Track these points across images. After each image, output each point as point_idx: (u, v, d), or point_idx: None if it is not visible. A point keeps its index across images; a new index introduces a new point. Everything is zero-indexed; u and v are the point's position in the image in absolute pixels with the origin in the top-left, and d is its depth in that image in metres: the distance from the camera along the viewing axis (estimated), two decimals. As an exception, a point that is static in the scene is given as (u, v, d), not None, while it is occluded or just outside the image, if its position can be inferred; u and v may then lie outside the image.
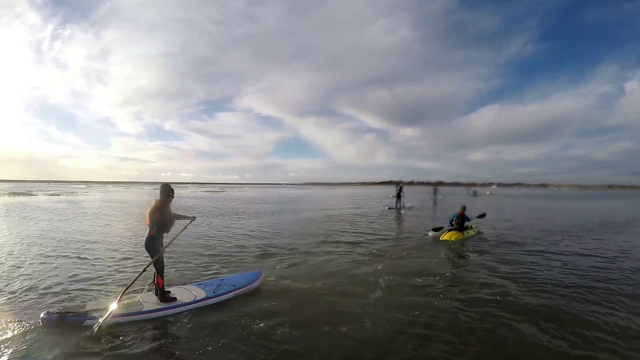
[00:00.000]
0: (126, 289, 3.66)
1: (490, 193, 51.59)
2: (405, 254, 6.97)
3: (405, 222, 13.00)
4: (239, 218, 13.88)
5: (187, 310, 3.72)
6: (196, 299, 3.85)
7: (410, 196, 31.26)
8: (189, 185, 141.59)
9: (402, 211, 17.30)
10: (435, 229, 9.16)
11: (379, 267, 5.81)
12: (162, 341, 3.14)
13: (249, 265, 5.80)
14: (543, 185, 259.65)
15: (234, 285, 4.23)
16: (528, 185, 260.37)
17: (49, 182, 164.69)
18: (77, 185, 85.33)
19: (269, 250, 7.12)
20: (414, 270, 5.69)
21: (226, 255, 6.64)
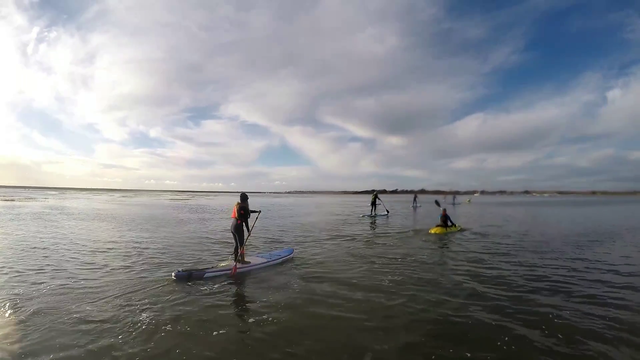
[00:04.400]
0: (236, 255, 7.05)
1: (469, 200, 56.59)
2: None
3: (373, 226, 16.32)
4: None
5: (257, 268, 6.93)
6: (262, 263, 7.06)
7: (391, 204, 35.16)
8: (165, 192, 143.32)
9: (377, 219, 19.71)
10: None
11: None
12: (245, 284, 6.21)
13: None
14: (526, 192, 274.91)
15: (280, 256, 7.51)
16: (511, 193, 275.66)
17: (29, 188, 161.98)
18: (51, 192, 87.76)
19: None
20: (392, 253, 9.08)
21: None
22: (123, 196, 70.13)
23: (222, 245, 10.00)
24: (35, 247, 9.33)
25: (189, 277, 6.24)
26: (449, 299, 5.28)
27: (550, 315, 4.57)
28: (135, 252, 8.82)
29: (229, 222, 17.28)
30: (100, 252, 8.86)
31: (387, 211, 22.46)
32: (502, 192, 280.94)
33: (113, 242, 10.51)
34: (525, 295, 5.50)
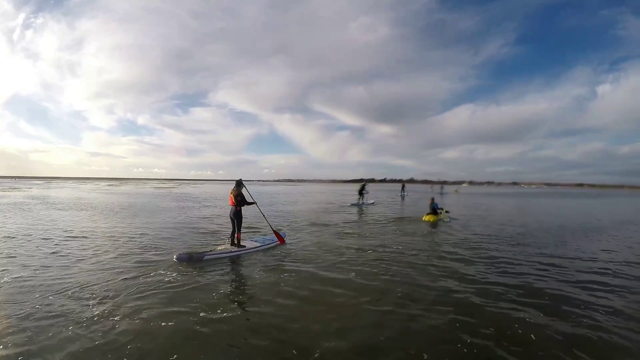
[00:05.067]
0: (232, 239, 7.69)
1: (457, 190, 58.11)
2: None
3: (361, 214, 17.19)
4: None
5: (253, 252, 7.61)
6: (257, 246, 7.73)
7: (379, 193, 36.20)
8: (152, 181, 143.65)
9: (364, 207, 20.96)
10: None
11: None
12: (242, 266, 6.85)
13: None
14: (515, 184, 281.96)
15: (272, 241, 8.19)
16: (500, 184, 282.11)
17: (15, 177, 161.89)
18: (37, 182, 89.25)
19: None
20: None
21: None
22: (109, 185, 70.10)
23: (197, 233, 10.44)
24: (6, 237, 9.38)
25: (189, 259, 6.79)
26: (433, 284, 5.77)
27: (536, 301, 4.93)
28: (115, 240, 9.14)
29: (209, 210, 18.89)
30: (79, 239, 9.11)
31: (368, 202, 23.29)
32: (490, 183, 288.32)
33: (90, 230, 10.69)
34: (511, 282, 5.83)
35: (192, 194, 37.33)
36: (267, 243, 8.12)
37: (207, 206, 20.87)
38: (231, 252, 7.37)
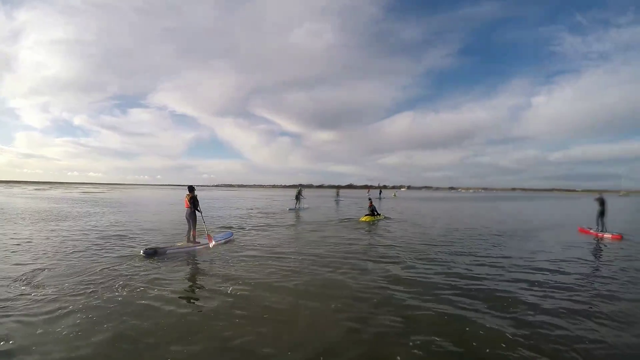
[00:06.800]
0: (188, 236, 9.68)
1: (395, 195, 63.02)
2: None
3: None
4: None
5: (206, 247, 9.73)
6: (208, 242, 9.92)
7: (315, 199, 38.72)
8: (85, 185, 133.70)
9: (300, 212, 22.71)
10: None
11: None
12: (197, 259, 8.73)
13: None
14: (452, 188, 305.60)
15: (223, 238, 10.53)
16: (437, 188, 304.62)
17: None
18: None
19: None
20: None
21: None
22: (36, 189, 66.61)
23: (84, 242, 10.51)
24: None
25: (154, 253, 8.58)
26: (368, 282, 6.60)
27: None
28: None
29: (114, 216, 19.24)
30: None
31: (304, 207, 25.51)
32: (428, 188, 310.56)
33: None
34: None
35: (111, 199, 37.24)
36: (217, 240, 10.32)
37: (112, 212, 21.17)
38: (188, 247, 9.45)
